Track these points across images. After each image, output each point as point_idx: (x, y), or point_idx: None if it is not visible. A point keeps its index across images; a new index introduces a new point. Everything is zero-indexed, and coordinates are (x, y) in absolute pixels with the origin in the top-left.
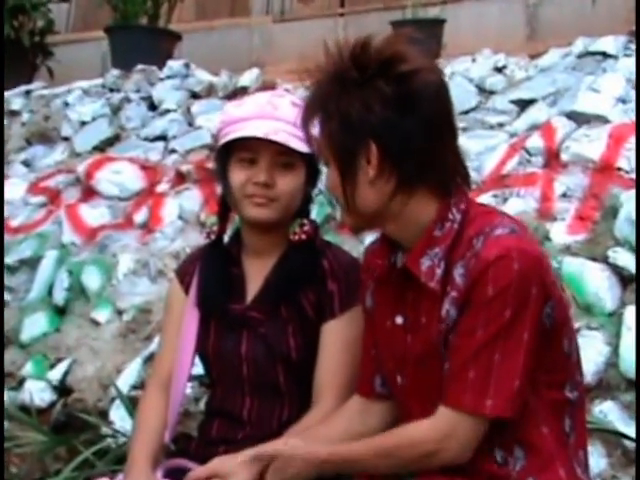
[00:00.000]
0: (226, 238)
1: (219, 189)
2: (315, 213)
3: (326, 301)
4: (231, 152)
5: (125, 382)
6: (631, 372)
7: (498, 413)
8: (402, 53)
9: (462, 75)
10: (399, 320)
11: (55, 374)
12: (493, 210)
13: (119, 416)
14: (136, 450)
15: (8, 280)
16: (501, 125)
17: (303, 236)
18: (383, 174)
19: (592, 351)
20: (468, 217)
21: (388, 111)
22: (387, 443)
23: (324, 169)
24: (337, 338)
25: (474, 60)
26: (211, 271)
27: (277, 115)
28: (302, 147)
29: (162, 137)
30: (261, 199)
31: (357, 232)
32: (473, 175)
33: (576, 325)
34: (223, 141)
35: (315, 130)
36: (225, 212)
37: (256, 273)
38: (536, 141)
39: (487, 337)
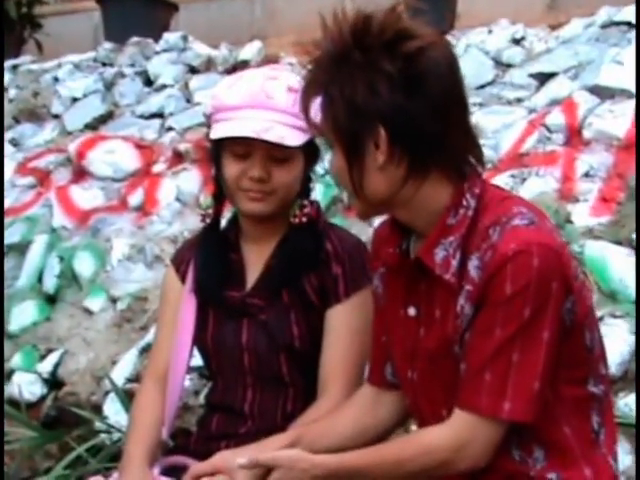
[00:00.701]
0: (223, 221)
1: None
2: (321, 195)
3: (330, 285)
4: (224, 143)
5: (120, 374)
6: None
7: (516, 417)
8: (407, 29)
9: (478, 47)
10: (412, 312)
11: (45, 366)
12: (509, 195)
13: (113, 410)
14: (131, 447)
15: None
16: (519, 100)
17: (304, 219)
18: (393, 159)
19: (617, 340)
20: (483, 203)
21: (395, 93)
22: (401, 451)
23: (326, 150)
24: (343, 324)
25: (490, 31)
26: (208, 257)
27: (271, 105)
28: (298, 139)
29: (158, 114)
30: (256, 194)
31: (366, 218)
32: (489, 154)
33: (600, 313)
34: (214, 135)
35: (316, 115)
36: (221, 193)
37: (256, 258)
38: (557, 117)
39: (505, 337)
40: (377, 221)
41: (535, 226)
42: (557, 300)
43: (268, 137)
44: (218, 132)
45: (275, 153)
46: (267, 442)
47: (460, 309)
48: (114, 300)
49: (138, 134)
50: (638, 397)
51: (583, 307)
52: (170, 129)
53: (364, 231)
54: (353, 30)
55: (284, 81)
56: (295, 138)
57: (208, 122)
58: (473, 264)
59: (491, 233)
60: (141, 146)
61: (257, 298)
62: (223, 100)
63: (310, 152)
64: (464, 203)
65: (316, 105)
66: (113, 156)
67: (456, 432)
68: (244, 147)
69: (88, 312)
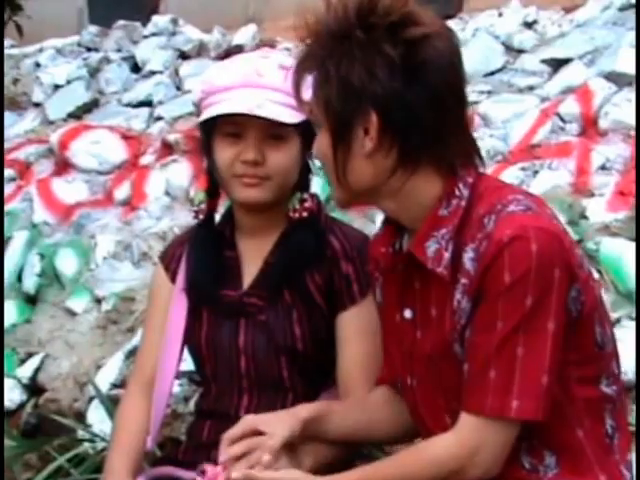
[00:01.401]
0: (218, 217)
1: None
2: (320, 188)
3: (342, 286)
4: (215, 126)
5: (104, 380)
6: None
7: (525, 415)
8: (413, 15)
9: (487, 31)
10: (408, 314)
11: (25, 371)
12: (505, 184)
13: (98, 418)
14: (114, 458)
15: None
16: (531, 88)
17: (304, 213)
18: (382, 148)
19: (634, 344)
20: (477, 192)
21: (394, 79)
22: (406, 465)
23: None
24: (361, 326)
25: (501, 14)
26: (201, 254)
27: (263, 83)
28: (292, 117)
29: (146, 102)
30: (251, 179)
31: (345, 207)
32: (499, 145)
33: (616, 315)
34: (204, 117)
35: (307, 90)
36: (214, 187)
37: (253, 255)
38: (571, 106)
39: (508, 330)
40: (379, 217)
41: (532, 212)
42: (561, 288)
43: (261, 113)
44: (208, 113)
45: (269, 131)
46: (296, 409)
47: (457, 304)
48: (99, 300)
49: (125, 124)
50: (638, 398)
51: (591, 298)
52: (159, 118)
53: (367, 227)
54: (358, 8)
55: (276, 59)
56: (289, 116)
57: (198, 110)
58: (468, 256)
59: (486, 222)
60: (128, 136)
61: (255, 297)
62: (214, 82)
63: (307, 137)
64: (457, 193)
65: (308, 81)
66: (98, 147)
67: (463, 438)
68: (236, 127)
69: (71, 313)
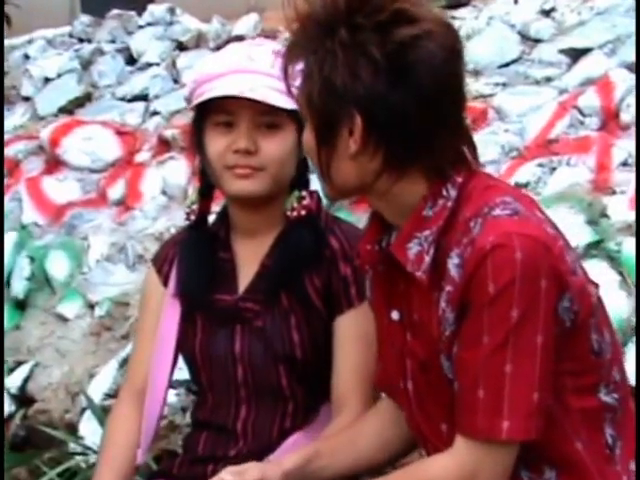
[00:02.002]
0: (211, 220)
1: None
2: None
3: (339, 288)
4: (206, 117)
5: (97, 389)
6: None
7: (517, 436)
8: (407, 11)
9: (502, 20)
10: (395, 315)
11: (14, 380)
12: (495, 183)
13: (90, 430)
14: (102, 473)
15: None
16: (549, 80)
17: (302, 212)
18: (366, 150)
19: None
20: (465, 192)
21: (377, 81)
22: None
23: None
24: (358, 331)
25: (516, 2)
26: (193, 256)
27: (254, 68)
28: (286, 103)
29: (142, 96)
30: (244, 170)
31: (334, 200)
32: (515, 140)
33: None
34: (192, 104)
35: (296, 78)
36: (208, 187)
37: (249, 257)
38: (591, 98)
39: (494, 344)
40: None
41: (519, 217)
42: (548, 299)
43: (253, 96)
44: (197, 100)
45: (263, 119)
46: (281, 460)
47: (442, 313)
48: (91, 306)
49: (119, 119)
50: (637, 399)
51: (586, 305)
52: (155, 113)
53: None
54: (348, 2)
55: (269, 46)
56: (283, 101)
57: (189, 103)
58: (453, 262)
59: (472, 226)
60: (122, 132)
61: (252, 302)
62: (205, 70)
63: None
64: (444, 193)
65: (296, 70)
66: (91, 144)
67: (461, 462)
68: (227, 115)
69: (62, 319)
